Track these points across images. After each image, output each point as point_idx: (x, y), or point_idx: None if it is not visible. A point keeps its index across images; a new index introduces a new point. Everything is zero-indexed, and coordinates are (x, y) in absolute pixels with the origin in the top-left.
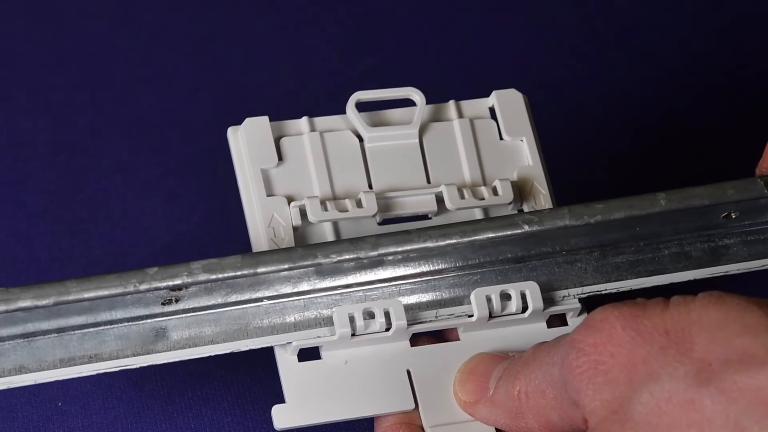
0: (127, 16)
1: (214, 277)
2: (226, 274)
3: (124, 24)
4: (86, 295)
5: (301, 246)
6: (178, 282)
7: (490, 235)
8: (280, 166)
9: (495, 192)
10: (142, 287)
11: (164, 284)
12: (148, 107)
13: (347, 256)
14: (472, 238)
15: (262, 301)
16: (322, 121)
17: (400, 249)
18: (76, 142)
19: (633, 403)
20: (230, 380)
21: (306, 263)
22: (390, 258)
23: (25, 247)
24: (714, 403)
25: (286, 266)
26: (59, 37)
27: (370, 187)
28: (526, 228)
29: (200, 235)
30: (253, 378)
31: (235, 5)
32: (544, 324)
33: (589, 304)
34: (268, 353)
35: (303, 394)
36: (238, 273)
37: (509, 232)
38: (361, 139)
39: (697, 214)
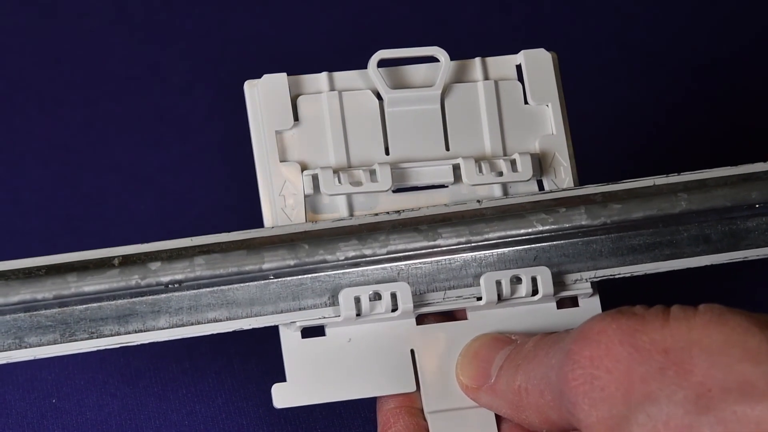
0: (121, 12)
1: (217, 272)
2: (229, 270)
3: (119, 21)
4: (86, 289)
5: (308, 242)
6: (180, 277)
7: (501, 233)
8: (295, 128)
9: (514, 167)
10: (144, 283)
11: (167, 279)
12: (142, 104)
13: (354, 253)
14: (484, 237)
15: (268, 277)
16: (341, 78)
17: (410, 246)
18: (71, 139)
19: (630, 423)
20: (225, 377)
21: (312, 260)
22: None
23: (19, 244)
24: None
25: (292, 263)
26: (54, 34)
27: (387, 152)
28: (539, 227)
29: (195, 232)
30: (247, 375)
31: (229, 1)
32: (554, 305)
33: (601, 286)
34: (265, 348)
35: (304, 373)
36: (243, 269)
37: (522, 231)
38: (380, 98)
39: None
